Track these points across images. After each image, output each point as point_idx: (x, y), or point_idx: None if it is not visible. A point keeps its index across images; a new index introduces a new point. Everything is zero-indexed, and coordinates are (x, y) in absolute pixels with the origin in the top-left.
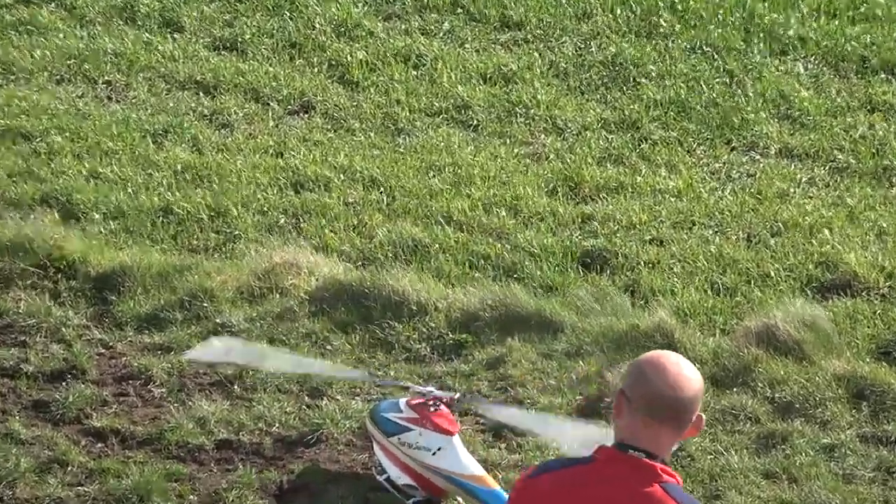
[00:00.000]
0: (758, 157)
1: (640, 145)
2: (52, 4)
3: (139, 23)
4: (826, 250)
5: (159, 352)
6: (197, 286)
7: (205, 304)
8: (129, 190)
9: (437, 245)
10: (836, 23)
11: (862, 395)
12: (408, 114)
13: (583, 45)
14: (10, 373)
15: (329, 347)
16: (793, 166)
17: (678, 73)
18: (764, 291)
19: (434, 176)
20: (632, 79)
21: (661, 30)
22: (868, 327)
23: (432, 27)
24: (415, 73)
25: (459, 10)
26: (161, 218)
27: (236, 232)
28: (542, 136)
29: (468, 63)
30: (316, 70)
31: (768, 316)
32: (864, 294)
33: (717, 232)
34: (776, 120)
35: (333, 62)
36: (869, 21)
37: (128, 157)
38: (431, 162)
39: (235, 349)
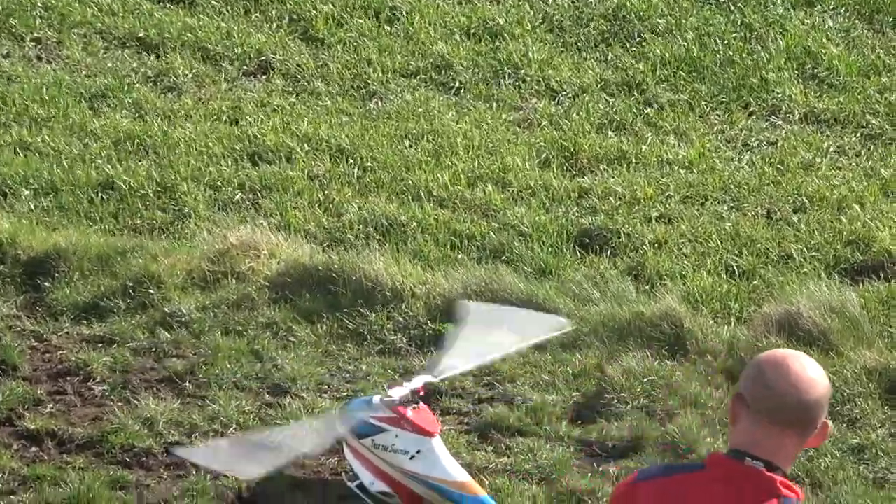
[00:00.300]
0: (779, 122)
1: (644, 110)
2: None
3: None
4: (856, 228)
5: (100, 345)
6: (142, 270)
7: (151, 291)
8: (64, 163)
9: (414, 224)
10: None
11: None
12: (380, 75)
13: None
14: None
15: (292, 339)
16: (819, 133)
17: (689, 27)
18: (785, 274)
19: (411, 145)
20: (636, 34)
21: None
22: None
23: None
24: (388, 28)
25: None
26: (100, 194)
27: (186, 209)
28: (534, 99)
29: (449, 16)
30: (275, 25)
31: (790, 302)
32: None
33: (732, 207)
34: (801, 80)
35: (294, 16)
36: None
37: (61, 126)
38: (408, 129)
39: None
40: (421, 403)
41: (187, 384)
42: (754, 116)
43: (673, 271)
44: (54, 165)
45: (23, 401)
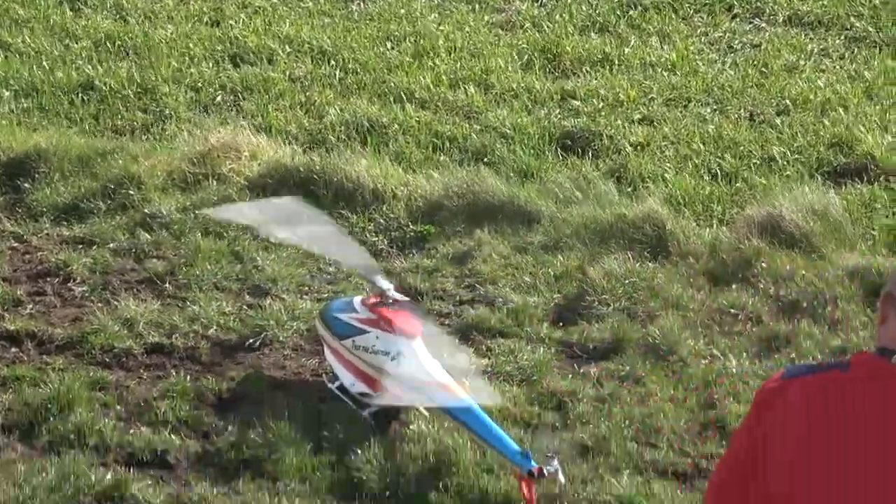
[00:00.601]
0: (763, 25)
1: (628, 12)
2: None
3: None
4: (839, 131)
5: (80, 246)
6: (122, 172)
7: (131, 193)
8: (44, 64)
9: (395, 125)
10: None
11: (877, 293)
12: None
13: None
14: None
15: (273, 240)
16: (803, 36)
17: None
18: (768, 177)
19: (393, 47)
20: None
21: None
22: (886, 216)
23: None
24: None
25: None
26: (80, 95)
27: (166, 111)
28: (517, 1)
29: None
30: None
31: (773, 204)
32: (881, 180)
33: (715, 110)
34: None
35: None
36: None
37: (42, 27)
38: (390, 31)
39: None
40: (402, 305)
41: (167, 285)
42: (738, 19)
43: (655, 173)
44: (35, 66)
45: (2, 301)
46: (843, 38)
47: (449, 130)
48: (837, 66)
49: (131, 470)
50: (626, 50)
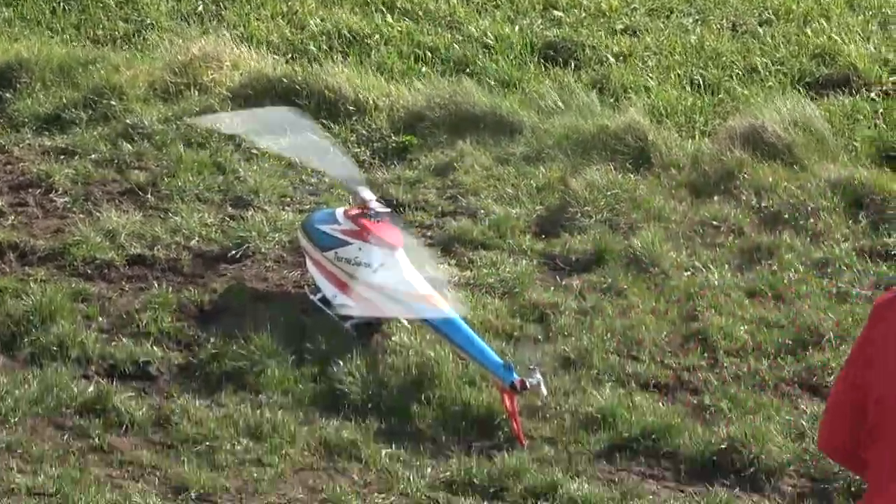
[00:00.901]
0: None
1: None
2: None
3: None
4: (822, 41)
5: (62, 156)
6: (103, 82)
7: (112, 103)
8: None
9: (377, 35)
10: None
11: (859, 204)
12: None
13: None
14: None
15: (255, 150)
16: None
17: None
18: (750, 88)
19: None
20: None
21: None
22: (868, 128)
23: None
24: None
25: None
26: (62, 4)
27: (148, 20)
28: None
29: None
30: None
31: (755, 115)
32: (864, 91)
33: (697, 20)
34: None
35: None
36: None
37: None
38: None
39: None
40: (384, 216)
41: (149, 196)
42: None
43: (637, 84)
44: None
45: None
46: None
47: (431, 41)
48: None
49: (114, 382)
50: None
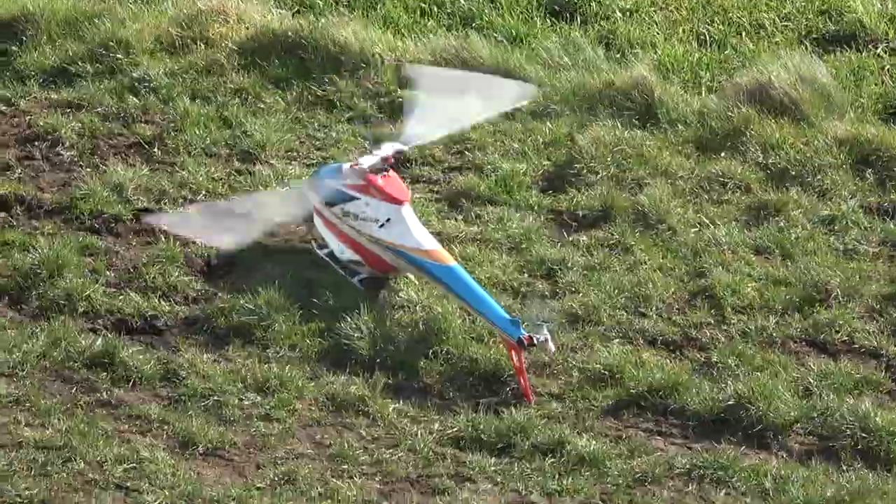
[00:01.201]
0: None
1: None
2: None
3: None
4: None
5: (68, 109)
6: (110, 35)
7: (119, 56)
8: None
9: None
10: None
11: (866, 161)
12: None
13: None
14: None
15: (261, 105)
16: None
17: None
18: (757, 44)
19: None
20: None
21: None
22: (875, 84)
23: None
24: None
25: None
26: None
27: None
28: None
29: None
30: None
31: (762, 71)
32: (871, 47)
33: None
34: None
35: None
36: None
37: None
38: None
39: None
40: (391, 171)
41: (156, 150)
42: None
43: (644, 40)
44: None
45: None
46: None
47: None
48: None
49: (121, 336)
50: None
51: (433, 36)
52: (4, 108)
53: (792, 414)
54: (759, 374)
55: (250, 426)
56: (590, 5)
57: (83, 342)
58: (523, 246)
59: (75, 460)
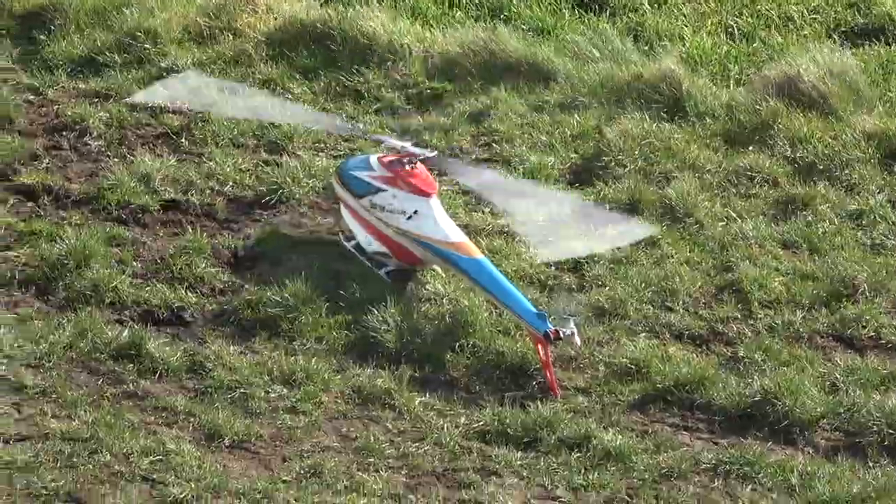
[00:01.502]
0: None
1: None
2: None
3: None
4: None
5: (96, 99)
6: (138, 24)
7: (147, 46)
8: None
9: None
10: None
11: (895, 156)
12: None
13: None
14: None
15: (289, 96)
16: None
17: None
18: (786, 36)
19: None
20: None
21: None
22: None
23: None
24: None
25: None
26: None
27: None
28: None
29: None
30: None
31: (790, 64)
32: None
33: None
34: None
35: None
36: None
37: None
38: None
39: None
40: (418, 163)
41: (184, 140)
42: None
43: (672, 32)
44: None
45: (19, 155)
46: None
47: None
48: None
49: (148, 327)
50: None
51: (461, 27)
52: (32, 97)
53: (818, 409)
54: (785, 369)
55: (276, 419)
56: None
57: (110, 333)
58: (550, 238)
59: (101, 452)
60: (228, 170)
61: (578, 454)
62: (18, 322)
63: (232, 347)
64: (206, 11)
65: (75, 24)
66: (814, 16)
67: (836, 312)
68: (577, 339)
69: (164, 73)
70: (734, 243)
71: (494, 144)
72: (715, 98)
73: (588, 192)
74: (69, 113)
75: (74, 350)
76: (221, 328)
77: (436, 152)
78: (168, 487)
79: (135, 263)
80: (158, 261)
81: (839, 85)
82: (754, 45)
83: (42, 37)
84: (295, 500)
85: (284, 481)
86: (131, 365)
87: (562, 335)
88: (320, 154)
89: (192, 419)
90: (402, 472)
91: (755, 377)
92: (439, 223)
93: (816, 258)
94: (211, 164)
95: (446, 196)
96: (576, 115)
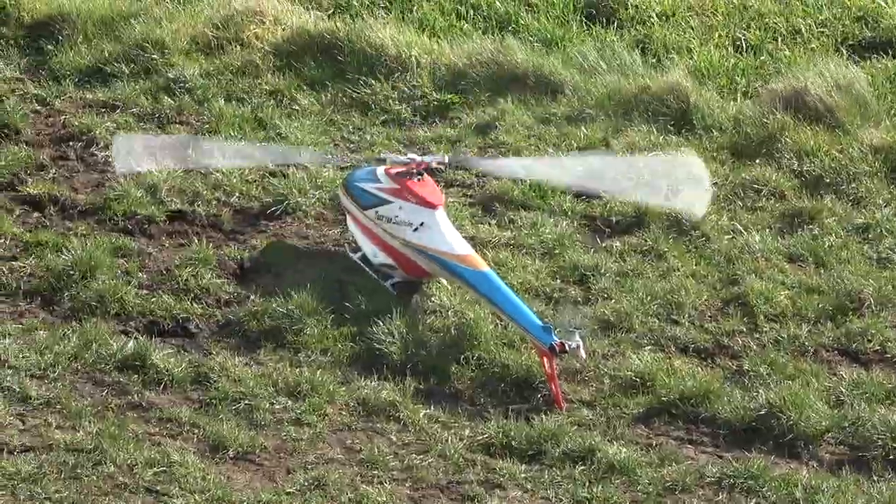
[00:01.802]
0: None
1: None
2: None
3: None
4: (865, 3)
5: (103, 109)
6: (145, 35)
7: (154, 57)
8: None
9: None
10: None
11: None
12: None
13: None
14: None
15: (296, 107)
16: None
17: None
18: (793, 50)
19: None
20: None
21: None
22: None
23: None
24: None
25: None
26: None
27: None
28: None
29: None
30: None
31: (797, 78)
32: None
33: None
34: None
35: None
36: None
37: None
38: None
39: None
40: (425, 175)
41: (190, 151)
42: None
43: (680, 44)
44: None
45: (25, 165)
46: None
47: None
48: None
49: (153, 338)
50: None
51: (469, 39)
52: (39, 107)
53: (823, 423)
54: (790, 382)
55: (281, 430)
56: (626, 9)
57: (115, 344)
58: (556, 251)
59: (105, 463)
60: (235, 181)
61: (583, 467)
62: (24, 332)
63: (237, 359)
64: (214, 22)
65: (83, 34)
66: (821, 29)
67: (842, 326)
68: (583, 352)
69: (171, 84)
70: (740, 257)
71: (502, 156)
72: (722, 111)
73: (595, 205)
74: (76, 123)
75: (79, 361)
76: (227, 339)
77: (447, 156)
78: (172, 499)
79: (140, 274)
80: (164, 272)
81: (846, 98)
82: (762, 58)
83: (50, 47)
84: None
85: (288, 493)
86: (136, 376)
87: (567, 348)
88: (327, 166)
89: (196, 430)
90: (407, 485)
91: (760, 391)
92: (445, 235)
93: (822, 272)
94: (217, 175)
95: (453, 208)
96: (583, 128)
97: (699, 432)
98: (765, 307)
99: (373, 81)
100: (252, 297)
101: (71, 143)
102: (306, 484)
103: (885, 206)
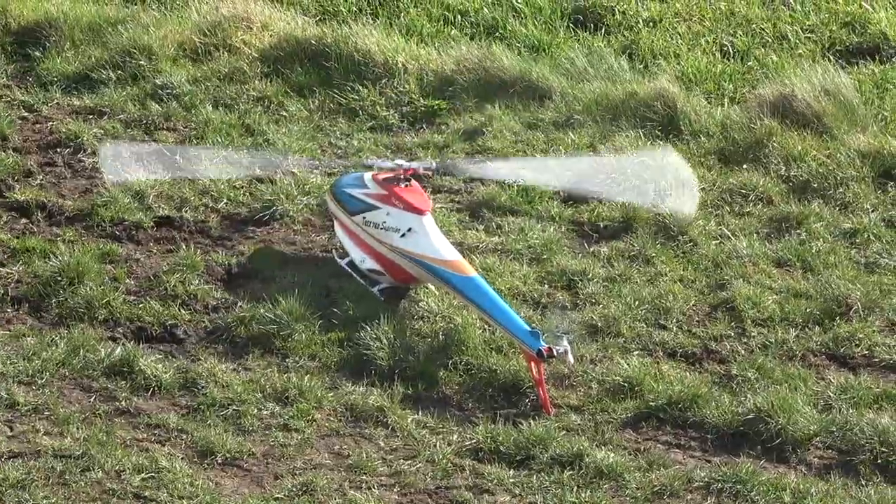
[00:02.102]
0: None
1: None
2: None
3: None
4: (852, 9)
5: (90, 116)
6: (133, 41)
7: (142, 63)
8: None
9: None
10: None
11: (889, 175)
12: None
13: None
14: None
15: (284, 113)
16: None
17: None
18: (780, 55)
19: None
20: None
21: None
22: None
23: None
24: None
25: None
26: None
27: None
28: None
29: None
30: None
31: (785, 83)
32: (894, 59)
33: None
34: None
35: None
36: None
37: None
38: None
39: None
40: (412, 181)
41: (177, 157)
42: None
43: (667, 50)
44: None
45: (12, 172)
46: None
47: (460, 3)
48: None
49: (140, 344)
50: None
51: (456, 45)
52: (27, 113)
53: (811, 428)
54: (778, 387)
55: (269, 436)
56: (613, 15)
57: (102, 350)
58: (544, 257)
59: (94, 469)
60: (222, 187)
61: (571, 472)
62: (11, 339)
63: (225, 364)
64: (201, 28)
65: (70, 40)
66: (808, 35)
67: (830, 331)
68: (570, 357)
69: (159, 90)
70: (728, 261)
71: (489, 162)
72: (709, 116)
73: (582, 210)
74: (63, 130)
75: (67, 367)
76: (214, 345)
77: (435, 163)
78: None
79: (128, 280)
80: (152, 278)
81: (833, 104)
82: (749, 63)
83: (37, 53)
84: None
85: (276, 499)
86: (124, 382)
87: (555, 353)
88: (314, 171)
89: (184, 436)
90: (395, 490)
91: (748, 395)
92: (433, 241)
93: (810, 276)
94: (205, 180)
95: (440, 214)
96: (570, 133)
97: (687, 437)
98: (752, 312)
99: (360, 87)
100: (240, 302)
101: (58, 150)
102: (294, 489)
103: (873, 211)
